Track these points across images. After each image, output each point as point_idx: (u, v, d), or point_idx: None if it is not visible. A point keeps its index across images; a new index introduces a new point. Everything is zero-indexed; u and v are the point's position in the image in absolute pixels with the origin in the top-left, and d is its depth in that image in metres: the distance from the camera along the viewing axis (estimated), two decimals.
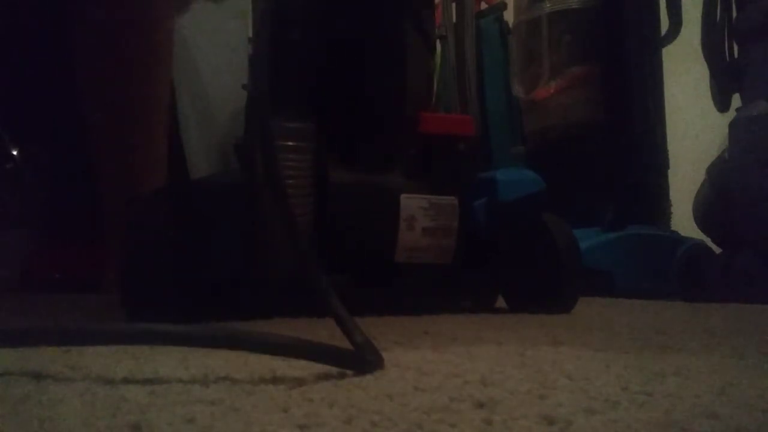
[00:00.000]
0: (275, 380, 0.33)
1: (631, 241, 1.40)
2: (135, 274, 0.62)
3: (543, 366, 0.39)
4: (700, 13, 1.45)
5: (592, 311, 0.85)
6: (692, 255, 1.40)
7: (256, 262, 0.65)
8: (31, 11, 1.02)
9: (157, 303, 0.59)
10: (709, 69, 1.45)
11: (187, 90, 1.21)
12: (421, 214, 0.71)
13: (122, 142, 0.98)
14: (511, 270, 0.79)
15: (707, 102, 1.46)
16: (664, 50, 1.58)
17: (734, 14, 1.42)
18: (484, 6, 1.90)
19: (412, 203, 0.71)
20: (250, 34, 1.25)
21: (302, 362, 0.36)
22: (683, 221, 1.55)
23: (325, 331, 0.45)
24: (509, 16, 1.75)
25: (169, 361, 0.38)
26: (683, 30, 1.56)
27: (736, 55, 1.42)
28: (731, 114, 1.40)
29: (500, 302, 0.84)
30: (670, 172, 1.56)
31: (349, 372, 0.35)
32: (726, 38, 1.44)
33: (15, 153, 1.18)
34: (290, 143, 0.66)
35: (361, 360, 0.36)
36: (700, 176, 1.50)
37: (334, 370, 0.35)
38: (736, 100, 1.42)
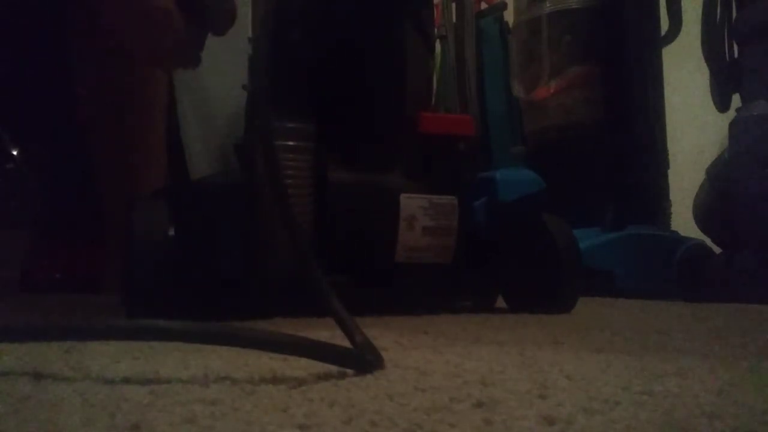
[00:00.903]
0: (275, 380, 0.33)
1: (631, 241, 1.40)
2: (135, 274, 0.62)
3: (543, 366, 0.39)
4: (700, 13, 1.45)
5: (592, 311, 0.85)
6: (692, 255, 1.40)
7: (256, 262, 0.65)
8: (31, 11, 1.02)
9: (157, 303, 0.59)
10: (709, 69, 1.45)
11: (187, 90, 1.21)
12: (421, 214, 0.71)
13: (122, 142, 0.98)
14: (511, 270, 0.79)
15: (707, 102, 1.46)
16: (664, 50, 1.58)
17: (734, 14, 1.42)
18: (484, 6, 1.90)
19: (412, 203, 0.71)
20: (250, 34, 1.25)
21: (302, 362, 0.36)
22: (683, 221, 1.55)
23: (325, 332, 0.45)
24: (509, 16, 1.76)
25: (169, 361, 0.38)
26: (683, 30, 1.56)
27: (736, 55, 1.42)
28: (731, 114, 1.39)
29: (500, 302, 0.84)
30: (670, 172, 1.56)
31: (349, 372, 0.35)
32: (726, 38, 1.44)
33: (15, 153, 1.18)
34: (290, 143, 0.66)
35: (361, 360, 0.36)
36: (700, 176, 1.50)
37: (334, 369, 0.35)
38: (736, 100, 1.42)
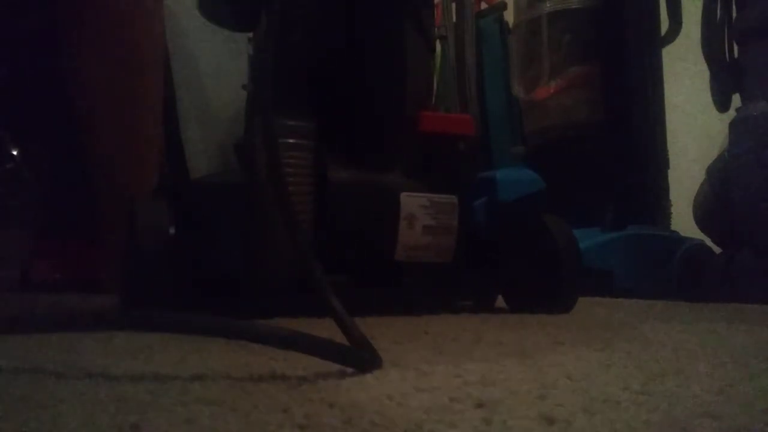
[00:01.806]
0: (275, 380, 0.33)
1: (631, 241, 1.40)
2: (135, 274, 0.62)
3: (543, 366, 0.39)
4: (700, 13, 1.45)
5: (592, 311, 0.85)
6: (692, 255, 1.40)
7: (256, 261, 0.65)
8: (30, 11, 1.02)
9: (156, 302, 0.59)
10: (709, 69, 1.45)
11: (187, 90, 1.21)
12: (421, 213, 0.71)
13: (119, 142, 0.98)
14: (511, 270, 0.79)
15: (707, 102, 1.46)
16: (664, 50, 1.58)
17: (734, 14, 1.42)
18: (484, 6, 1.90)
19: (412, 201, 0.71)
20: (250, 35, 1.25)
21: (302, 362, 0.36)
22: (683, 221, 1.55)
23: (324, 332, 0.45)
24: (509, 16, 1.76)
25: (169, 361, 0.38)
26: (683, 30, 1.56)
27: (736, 55, 1.42)
28: (731, 114, 1.39)
29: (500, 302, 0.84)
30: (670, 172, 1.56)
31: (349, 372, 0.35)
32: (726, 38, 1.44)
33: (15, 153, 1.18)
34: (290, 141, 0.66)
35: (360, 358, 0.36)
36: (700, 176, 1.50)
37: (334, 369, 0.35)
38: (736, 100, 1.42)
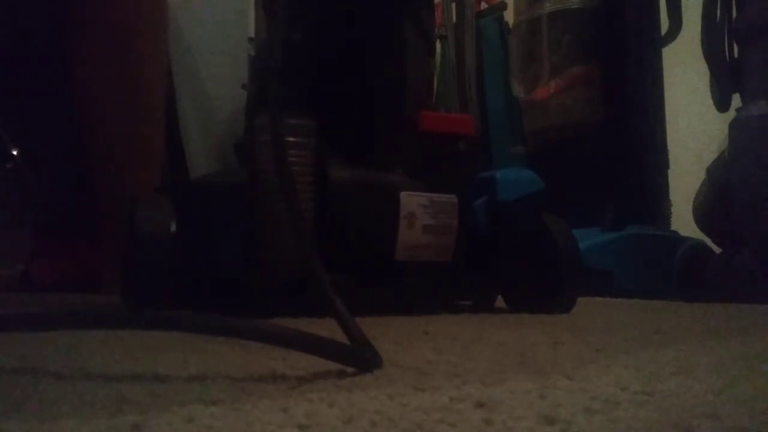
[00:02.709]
0: (275, 380, 0.33)
1: (631, 241, 1.40)
2: (135, 274, 0.62)
3: (543, 366, 0.39)
4: (700, 13, 1.45)
5: (592, 311, 0.85)
6: (692, 255, 1.40)
7: (256, 261, 0.65)
8: (31, 11, 1.02)
9: (157, 303, 0.59)
10: (709, 69, 1.45)
11: (187, 90, 1.21)
12: (421, 212, 0.71)
13: (120, 142, 0.98)
14: (510, 270, 0.79)
15: (707, 102, 1.46)
16: (664, 50, 1.58)
17: (734, 14, 1.42)
18: (484, 6, 1.90)
19: (412, 201, 0.71)
20: (251, 35, 1.25)
21: (302, 362, 0.36)
22: (683, 221, 1.55)
23: (325, 332, 0.45)
24: (509, 16, 1.76)
25: (169, 361, 0.38)
26: (683, 30, 1.56)
27: (736, 55, 1.42)
28: (731, 114, 1.39)
29: (500, 302, 0.84)
30: (670, 172, 1.56)
31: (349, 371, 0.35)
32: (726, 38, 1.44)
33: (15, 153, 1.18)
34: (291, 139, 0.66)
35: (360, 357, 0.36)
36: (700, 176, 1.50)
37: (334, 369, 0.35)
38: (736, 100, 1.42)
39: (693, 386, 0.33)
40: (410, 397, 0.30)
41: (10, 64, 1.04)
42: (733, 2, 1.42)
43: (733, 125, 1.35)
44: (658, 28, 1.57)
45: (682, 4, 1.57)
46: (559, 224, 0.79)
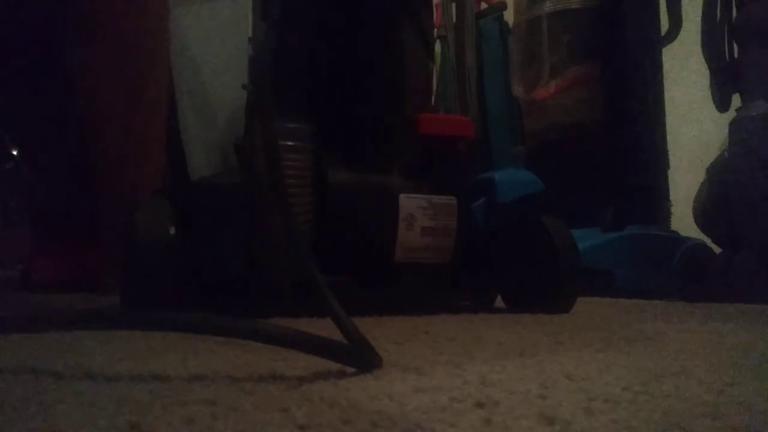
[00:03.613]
0: (275, 380, 0.33)
1: (631, 241, 1.40)
2: (135, 275, 0.62)
3: (543, 366, 0.39)
4: (700, 13, 1.45)
5: (592, 311, 0.85)
6: (692, 255, 1.40)
7: (256, 261, 0.65)
8: (31, 12, 1.02)
9: (156, 303, 0.59)
10: (709, 69, 1.45)
11: (187, 90, 1.20)
12: (420, 214, 0.71)
13: (121, 142, 0.98)
14: (509, 270, 0.79)
15: (707, 102, 1.46)
16: (664, 50, 1.58)
17: (734, 14, 1.42)
18: (484, 6, 1.90)
19: (411, 203, 0.71)
20: (250, 34, 1.25)
21: (302, 362, 0.36)
22: (683, 221, 1.55)
23: (325, 332, 0.45)
24: (509, 16, 1.76)
25: (169, 361, 0.38)
26: (683, 30, 1.56)
27: (736, 55, 1.42)
28: (731, 114, 1.39)
29: (500, 302, 0.84)
30: (670, 172, 1.56)
31: (349, 371, 0.35)
32: (726, 38, 1.43)
33: (15, 153, 1.18)
34: (290, 143, 0.66)
35: (360, 357, 0.36)
36: (700, 176, 1.50)
37: (333, 370, 0.35)
38: (736, 100, 1.42)
39: (693, 386, 0.33)
40: (410, 397, 0.30)
41: (10, 64, 1.04)
42: (733, 2, 1.42)
43: (733, 125, 1.35)
44: (658, 28, 1.57)
45: (682, 4, 1.57)
46: (557, 225, 0.79)
